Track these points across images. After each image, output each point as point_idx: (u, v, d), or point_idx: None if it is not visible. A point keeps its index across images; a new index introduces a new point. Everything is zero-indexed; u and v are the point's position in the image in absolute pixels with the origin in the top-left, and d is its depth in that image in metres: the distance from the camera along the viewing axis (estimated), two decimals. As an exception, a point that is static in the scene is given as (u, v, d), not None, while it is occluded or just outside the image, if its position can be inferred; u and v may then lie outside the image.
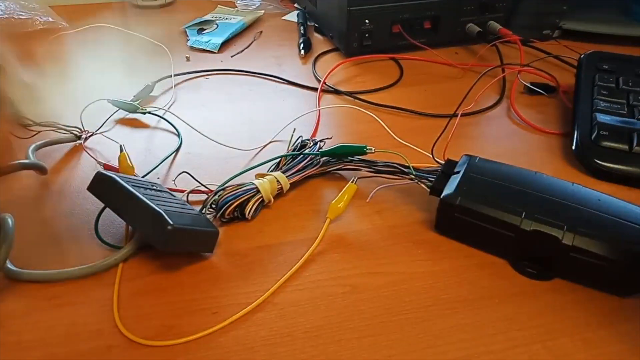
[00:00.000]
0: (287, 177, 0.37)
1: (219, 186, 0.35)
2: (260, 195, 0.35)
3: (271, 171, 0.38)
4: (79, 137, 0.42)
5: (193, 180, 0.36)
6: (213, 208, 0.34)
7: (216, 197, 0.34)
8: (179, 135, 0.44)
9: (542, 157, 0.43)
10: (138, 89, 0.50)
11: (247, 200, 0.35)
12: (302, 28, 0.65)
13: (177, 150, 0.42)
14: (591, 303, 0.30)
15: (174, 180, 0.38)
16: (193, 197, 0.36)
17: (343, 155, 0.38)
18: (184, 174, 0.36)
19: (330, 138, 0.41)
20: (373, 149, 0.37)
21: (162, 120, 0.46)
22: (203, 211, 0.34)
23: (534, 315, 0.29)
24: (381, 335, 0.28)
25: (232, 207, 0.34)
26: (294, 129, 0.42)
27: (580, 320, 0.29)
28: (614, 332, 0.29)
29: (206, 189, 0.36)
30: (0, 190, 0.37)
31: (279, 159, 0.39)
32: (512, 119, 0.49)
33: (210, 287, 0.30)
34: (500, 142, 0.45)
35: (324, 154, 0.38)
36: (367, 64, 0.58)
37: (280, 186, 0.36)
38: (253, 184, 0.35)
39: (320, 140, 0.40)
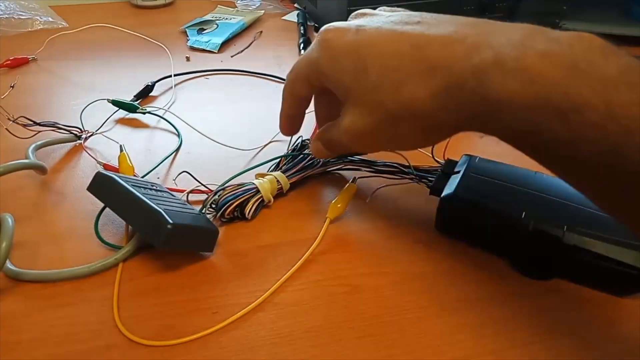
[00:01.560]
0: (287, 177, 0.37)
1: (219, 186, 0.35)
2: (260, 195, 0.35)
3: (271, 171, 0.38)
4: (79, 137, 0.42)
5: (193, 180, 0.36)
6: (213, 208, 0.34)
7: (216, 197, 0.34)
8: (179, 135, 0.44)
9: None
10: (138, 89, 0.50)
11: (247, 200, 0.35)
12: (302, 28, 0.65)
13: (177, 150, 0.42)
14: (591, 303, 0.30)
15: (174, 180, 0.38)
16: (193, 197, 0.36)
17: (343, 154, 0.38)
18: (184, 173, 0.36)
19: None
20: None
21: (162, 120, 0.46)
22: (203, 211, 0.34)
23: (534, 315, 0.29)
24: (381, 335, 0.28)
25: (232, 207, 0.34)
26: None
27: (580, 320, 0.29)
28: (614, 332, 0.29)
29: (206, 189, 0.36)
30: (0, 190, 0.37)
31: (278, 159, 0.39)
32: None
33: (210, 287, 0.30)
34: (500, 142, 0.45)
35: None
36: (367, 64, 0.58)
37: (280, 186, 0.36)
38: (253, 183, 0.35)
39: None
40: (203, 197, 0.36)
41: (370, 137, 0.29)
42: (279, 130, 0.43)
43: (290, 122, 0.35)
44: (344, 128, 0.29)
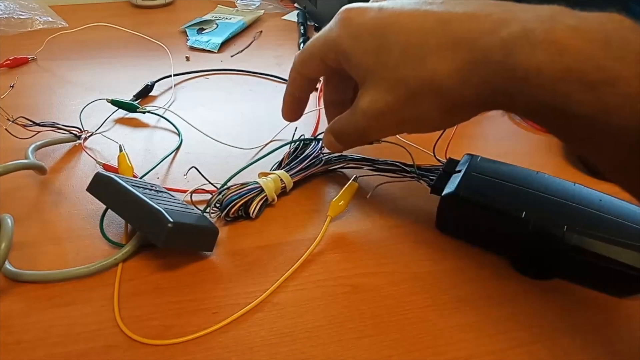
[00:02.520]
0: (290, 175, 0.37)
1: (222, 184, 0.35)
2: (264, 194, 0.35)
3: (274, 169, 0.38)
4: (79, 137, 0.42)
5: (194, 180, 0.36)
6: (217, 207, 0.34)
7: (220, 196, 0.34)
8: (179, 134, 0.44)
9: (543, 157, 0.43)
10: (137, 88, 0.50)
11: (252, 200, 0.34)
12: (302, 28, 0.65)
13: (177, 149, 0.42)
14: (591, 303, 0.30)
15: (185, 175, 0.37)
16: (195, 197, 0.36)
17: None
18: (193, 170, 0.36)
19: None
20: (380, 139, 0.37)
21: (161, 119, 0.46)
22: (207, 210, 0.34)
23: (534, 315, 0.29)
24: (381, 335, 0.28)
25: (237, 206, 0.34)
26: (296, 128, 0.42)
27: (580, 320, 0.29)
28: (614, 332, 0.29)
29: (208, 189, 0.36)
30: (0, 190, 0.37)
31: (283, 154, 0.39)
32: (514, 118, 0.49)
33: (210, 287, 0.30)
34: (501, 141, 0.45)
35: None
36: (367, 63, 0.58)
37: (283, 185, 0.36)
38: (257, 182, 0.35)
39: (320, 134, 0.40)
40: (206, 196, 0.36)
41: (390, 117, 0.28)
42: (279, 130, 0.43)
43: (294, 106, 0.35)
44: (362, 109, 0.28)
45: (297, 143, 0.40)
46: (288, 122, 0.38)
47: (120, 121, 0.46)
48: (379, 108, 0.27)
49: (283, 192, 0.37)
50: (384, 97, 0.27)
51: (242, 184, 0.35)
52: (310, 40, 0.31)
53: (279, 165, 0.38)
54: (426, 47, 0.25)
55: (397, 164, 0.37)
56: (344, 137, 0.32)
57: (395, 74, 0.26)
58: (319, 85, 0.52)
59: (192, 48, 0.61)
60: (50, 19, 0.65)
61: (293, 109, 0.35)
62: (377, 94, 0.27)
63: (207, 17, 0.69)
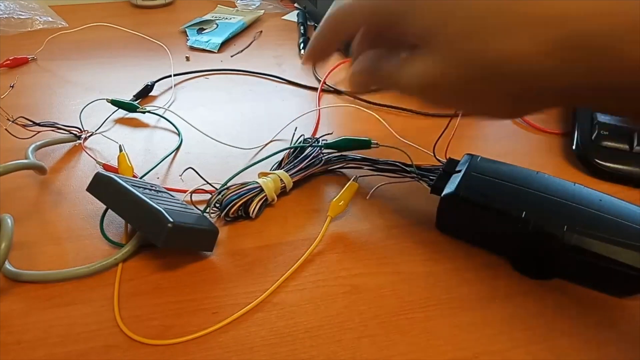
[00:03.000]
0: (290, 175, 0.37)
1: (222, 185, 0.35)
2: (264, 194, 0.35)
3: (274, 170, 0.38)
4: (79, 137, 0.42)
5: (194, 180, 0.36)
6: (217, 207, 0.34)
7: (220, 196, 0.34)
8: (179, 134, 0.44)
9: (542, 157, 0.43)
10: (137, 88, 0.50)
11: (251, 199, 0.34)
12: (302, 28, 0.65)
13: (177, 149, 0.42)
14: (591, 303, 0.30)
15: (180, 175, 0.38)
16: (196, 197, 0.36)
17: (347, 148, 0.38)
18: (190, 170, 0.36)
19: (331, 133, 0.41)
20: (377, 142, 0.37)
21: (161, 119, 0.46)
22: (207, 210, 0.34)
23: (534, 315, 0.29)
24: (381, 335, 0.28)
25: (237, 206, 0.34)
26: (296, 128, 0.42)
27: (580, 320, 0.29)
28: (614, 332, 0.29)
29: (208, 189, 0.36)
30: (0, 190, 0.37)
31: (283, 153, 0.39)
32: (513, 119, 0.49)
33: (210, 287, 0.30)
34: (501, 142, 0.45)
35: (328, 145, 0.38)
36: (367, 63, 0.58)
37: (283, 185, 0.36)
38: (257, 182, 0.35)
39: (322, 136, 0.40)
40: (206, 196, 0.36)
41: (446, 93, 0.23)
42: (279, 130, 0.43)
43: (317, 54, 0.29)
44: (417, 73, 0.23)
45: (297, 141, 0.40)
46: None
47: (120, 121, 0.46)
48: (435, 78, 0.23)
49: (283, 192, 0.37)
50: (443, 70, 0.22)
51: (241, 184, 0.35)
52: None
53: (279, 165, 0.38)
54: (507, 17, 0.20)
55: (397, 164, 0.37)
56: (378, 77, 0.27)
57: (462, 45, 0.21)
58: (318, 86, 0.52)
59: (192, 48, 0.61)
60: (50, 19, 0.65)
61: (315, 57, 0.30)
62: (436, 62, 0.23)
63: (207, 17, 0.69)
